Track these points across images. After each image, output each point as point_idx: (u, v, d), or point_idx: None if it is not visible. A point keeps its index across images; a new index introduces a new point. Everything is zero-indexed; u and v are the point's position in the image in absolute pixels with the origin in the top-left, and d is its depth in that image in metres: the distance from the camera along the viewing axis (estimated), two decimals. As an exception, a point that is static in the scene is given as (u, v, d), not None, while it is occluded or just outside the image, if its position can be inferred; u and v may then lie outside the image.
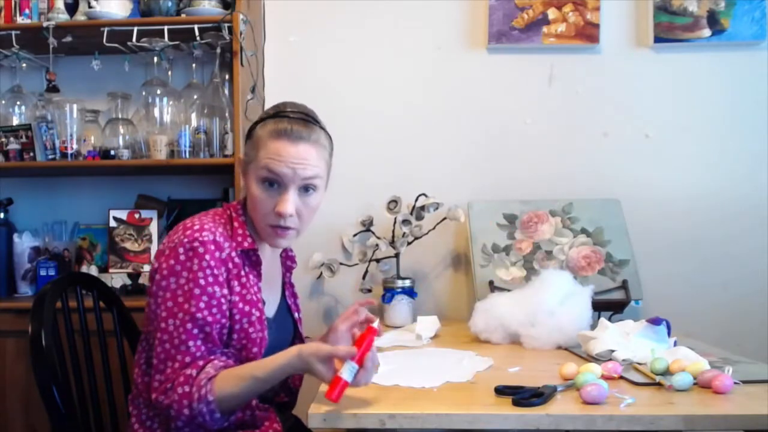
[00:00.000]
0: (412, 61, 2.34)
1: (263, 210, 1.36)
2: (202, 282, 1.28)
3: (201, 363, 1.25)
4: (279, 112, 1.39)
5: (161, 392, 1.24)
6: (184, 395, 1.22)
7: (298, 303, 1.60)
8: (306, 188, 1.36)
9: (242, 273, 1.35)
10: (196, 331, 1.26)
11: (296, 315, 1.56)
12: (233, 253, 1.34)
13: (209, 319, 1.28)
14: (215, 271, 1.29)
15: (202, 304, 1.27)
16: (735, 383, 1.20)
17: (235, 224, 1.39)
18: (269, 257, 1.48)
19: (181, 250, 1.29)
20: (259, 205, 1.36)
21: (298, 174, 1.34)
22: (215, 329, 1.29)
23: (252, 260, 1.39)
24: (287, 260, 1.58)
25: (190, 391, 1.22)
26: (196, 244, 1.28)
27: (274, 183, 1.34)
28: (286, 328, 1.53)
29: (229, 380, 1.23)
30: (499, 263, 2.10)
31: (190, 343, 1.26)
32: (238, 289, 1.33)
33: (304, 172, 1.34)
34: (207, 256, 1.28)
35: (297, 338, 1.56)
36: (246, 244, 1.37)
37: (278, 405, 1.50)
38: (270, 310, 1.45)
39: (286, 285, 1.55)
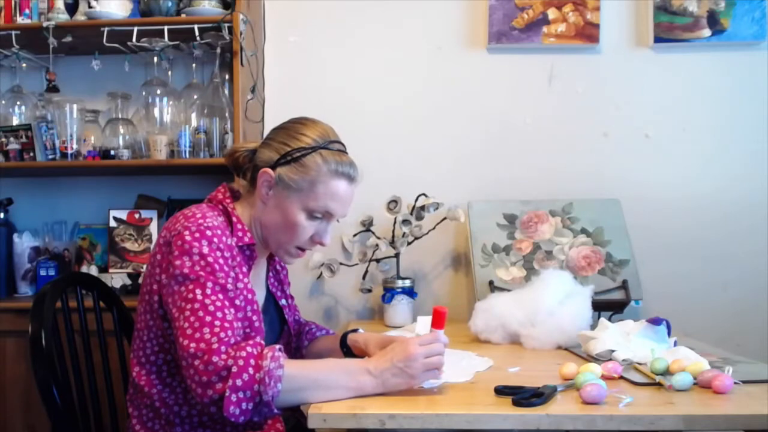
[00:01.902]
0: (412, 60, 2.34)
1: (299, 236, 1.38)
2: (220, 260, 1.26)
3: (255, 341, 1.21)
4: (332, 142, 1.38)
5: (215, 353, 1.15)
6: (252, 355, 1.15)
7: (285, 289, 1.60)
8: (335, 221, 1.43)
9: (241, 263, 1.35)
10: (227, 302, 1.23)
11: (282, 302, 1.56)
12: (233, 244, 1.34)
13: (235, 290, 1.27)
14: (225, 254, 1.28)
15: (223, 275, 1.25)
16: (735, 383, 1.20)
17: (233, 219, 1.37)
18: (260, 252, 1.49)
19: (186, 233, 1.26)
20: (299, 231, 1.37)
21: (346, 212, 1.41)
22: (239, 305, 1.28)
23: (246, 255, 1.38)
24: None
25: (260, 352, 1.16)
26: (202, 228, 1.27)
27: (319, 218, 1.38)
28: (274, 318, 1.54)
29: (298, 362, 1.22)
30: (499, 263, 2.10)
31: (226, 311, 1.21)
32: (240, 277, 1.33)
33: (348, 211, 1.42)
34: (215, 239, 1.27)
35: (285, 325, 1.56)
36: (246, 239, 1.37)
37: None
38: (260, 301, 1.45)
39: (269, 275, 1.55)
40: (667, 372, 1.28)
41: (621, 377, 1.30)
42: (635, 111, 2.29)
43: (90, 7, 2.16)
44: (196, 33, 2.09)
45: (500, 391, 1.19)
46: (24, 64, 2.32)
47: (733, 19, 2.23)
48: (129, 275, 2.24)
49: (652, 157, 2.29)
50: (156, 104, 2.22)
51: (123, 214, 2.31)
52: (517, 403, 1.12)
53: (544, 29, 2.27)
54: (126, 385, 1.64)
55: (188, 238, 1.25)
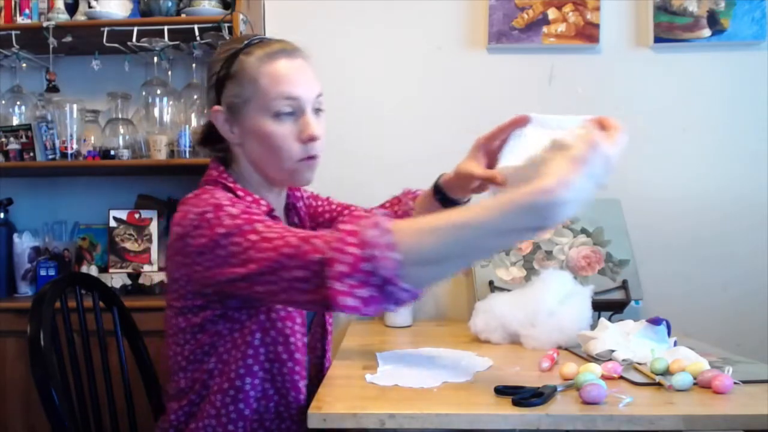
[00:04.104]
0: (412, 60, 2.34)
1: (287, 146, 1.21)
2: (255, 215, 1.12)
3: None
4: (251, 40, 1.24)
5: (311, 251, 0.98)
6: (350, 232, 0.96)
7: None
8: (316, 110, 1.26)
9: None
10: (284, 228, 1.08)
11: None
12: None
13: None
14: (255, 209, 1.16)
15: (268, 221, 1.10)
16: (735, 383, 1.20)
17: (240, 193, 1.24)
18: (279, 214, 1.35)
19: (207, 214, 1.11)
20: (281, 142, 1.20)
21: (312, 92, 1.24)
22: None
23: None
24: (295, 201, 1.42)
25: (358, 227, 0.96)
26: (218, 203, 1.13)
27: (288, 112, 1.21)
28: None
29: (411, 220, 1.01)
30: (499, 263, 2.10)
31: (295, 230, 1.06)
32: None
33: (316, 88, 1.25)
34: (237, 203, 1.14)
35: None
36: (264, 207, 1.24)
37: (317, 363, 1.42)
38: None
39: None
40: (667, 372, 1.28)
41: (621, 377, 1.30)
42: (635, 111, 2.29)
43: (90, 7, 2.16)
44: (196, 33, 2.09)
45: (500, 391, 1.19)
46: (24, 64, 2.32)
47: (733, 19, 2.22)
48: (129, 275, 2.24)
49: (652, 157, 2.29)
50: (156, 104, 2.22)
51: (123, 214, 2.31)
52: (517, 403, 1.12)
53: (544, 29, 2.27)
54: (126, 385, 1.64)
55: (210, 216, 1.12)
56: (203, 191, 1.23)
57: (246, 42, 1.23)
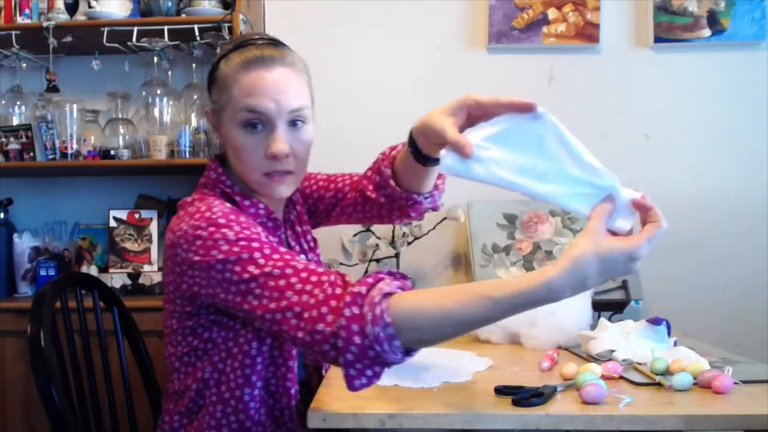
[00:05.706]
0: (412, 61, 2.34)
1: (252, 159, 1.18)
2: (255, 234, 1.09)
3: (367, 281, 1.00)
4: (241, 43, 1.20)
5: (318, 320, 0.98)
6: (354, 318, 0.96)
7: (309, 238, 1.41)
8: (294, 122, 1.19)
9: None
10: (288, 255, 1.05)
11: (307, 256, 1.39)
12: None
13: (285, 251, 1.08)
14: (254, 229, 1.11)
15: (266, 241, 1.08)
16: (735, 383, 1.20)
17: (237, 198, 1.22)
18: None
19: (200, 231, 1.09)
20: (247, 154, 1.17)
21: (283, 106, 1.16)
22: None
23: (269, 227, 1.25)
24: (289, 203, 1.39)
25: (360, 312, 0.96)
26: (213, 220, 1.10)
27: (258, 124, 1.17)
28: None
29: (413, 300, 0.97)
30: (499, 263, 2.10)
31: (294, 263, 1.04)
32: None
33: (289, 104, 1.17)
34: (236, 224, 1.10)
35: None
36: (262, 211, 1.24)
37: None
38: None
39: (290, 234, 1.37)
40: (667, 372, 1.28)
41: (621, 377, 1.30)
42: (635, 111, 2.29)
43: (90, 7, 2.16)
44: (196, 33, 2.09)
45: (500, 391, 1.19)
46: (24, 64, 2.32)
47: (733, 19, 2.22)
48: (129, 275, 2.24)
49: (652, 157, 2.29)
50: (156, 104, 2.22)
51: (123, 214, 2.31)
52: (517, 403, 1.12)
53: (544, 29, 2.27)
54: (126, 385, 1.64)
55: (204, 234, 1.09)
56: (200, 198, 1.21)
57: (234, 45, 1.21)
